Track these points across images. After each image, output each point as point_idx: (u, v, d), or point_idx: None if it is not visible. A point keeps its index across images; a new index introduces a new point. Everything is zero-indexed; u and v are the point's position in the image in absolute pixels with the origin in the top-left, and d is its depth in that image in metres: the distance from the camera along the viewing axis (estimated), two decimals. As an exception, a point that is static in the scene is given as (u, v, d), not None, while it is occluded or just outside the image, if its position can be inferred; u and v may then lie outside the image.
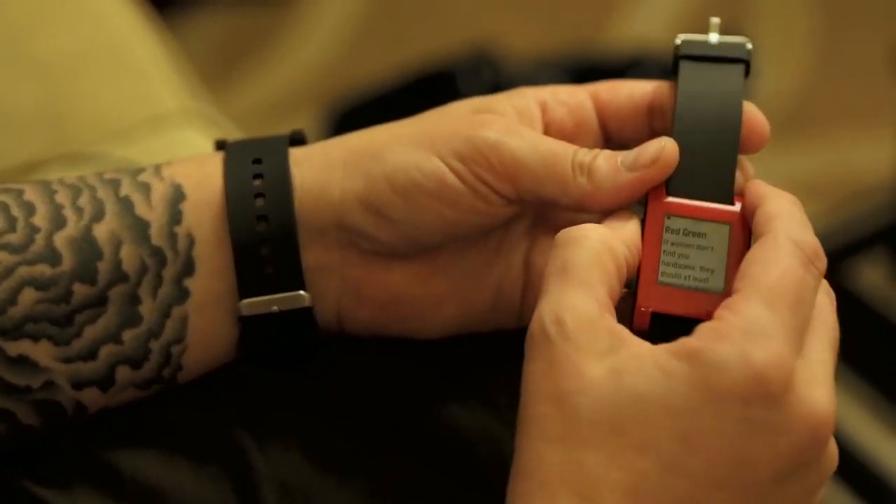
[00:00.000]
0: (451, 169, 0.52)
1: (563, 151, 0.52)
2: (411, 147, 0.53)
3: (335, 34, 1.56)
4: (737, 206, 0.51)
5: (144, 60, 0.81)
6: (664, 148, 0.51)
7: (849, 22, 1.55)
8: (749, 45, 0.54)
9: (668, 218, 0.51)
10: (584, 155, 0.52)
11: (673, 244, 0.50)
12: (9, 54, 0.75)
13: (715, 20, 0.54)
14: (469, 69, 1.26)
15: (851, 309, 1.17)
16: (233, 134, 0.80)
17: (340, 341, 0.56)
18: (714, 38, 0.54)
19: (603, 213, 0.52)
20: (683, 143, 0.52)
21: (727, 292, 0.49)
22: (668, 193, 0.51)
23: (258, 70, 1.53)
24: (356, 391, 0.56)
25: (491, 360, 0.57)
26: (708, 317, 0.48)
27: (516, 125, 0.53)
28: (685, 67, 0.54)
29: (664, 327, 0.50)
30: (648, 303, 0.50)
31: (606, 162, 0.52)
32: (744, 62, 0.54)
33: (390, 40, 1.56)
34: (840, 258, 1.25)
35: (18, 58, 0.75)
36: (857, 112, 1.47)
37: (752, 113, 0.53)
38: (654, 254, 0.50)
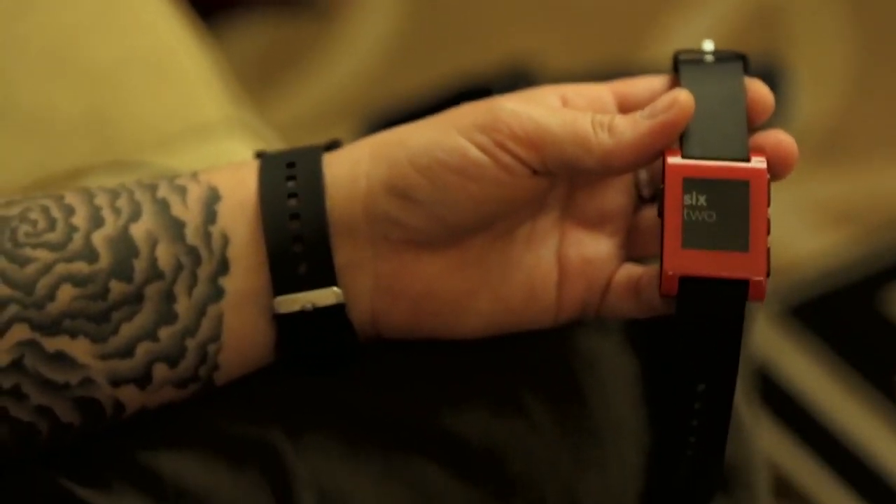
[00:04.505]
0: (473, 142, 0.53)
1: (582, 114, 0.54)
2: (432, 129, 0.54)
3: (376, 47, 1.57)
4: (752, 163, 0.52)
5: (189, 70, 0.81)
6: (679, 95, 0.53)
7: (886, 48, 1.55)
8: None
9: (686, 180, 0.52)
10: (602, 116, 0.53)
11: (693, 207, 0.51)
12: (54, 62, 0.76)
13: (708, 41, 0.56)
14: (506, 85, 1.26)
15: (885, 337, 1.17)
16: (275, 144, 0.81)
17: (376, 346, 0.57)
18: (709, 47, 0.56)
19: (626, 172, 0.53)
20: (694, 108, 0.53)
21: (751, 250, 0.50)
22: (684, 158, 0.52)
23: (298, 82, 1.54)
24: (391, 396, 0.57)
25: (526, 365, 0.58)
26: (734, 276, 0.49)
27: (534, 99, 0.55)
28: (685, 67, 0.55)
29: (692, 290, 0.51)
30: (675, 267, 0.51)
31: (624, 118, 0.53)
32: (741, 58, 0.55)
33: (429, 55, 1.56)
34: (874, 285, 1.24)
35: (63, 66, 0.76)
36: (892, 139, 1.47)
37: (754, 82, 0.54)
38: (675, 218, 0.51)
